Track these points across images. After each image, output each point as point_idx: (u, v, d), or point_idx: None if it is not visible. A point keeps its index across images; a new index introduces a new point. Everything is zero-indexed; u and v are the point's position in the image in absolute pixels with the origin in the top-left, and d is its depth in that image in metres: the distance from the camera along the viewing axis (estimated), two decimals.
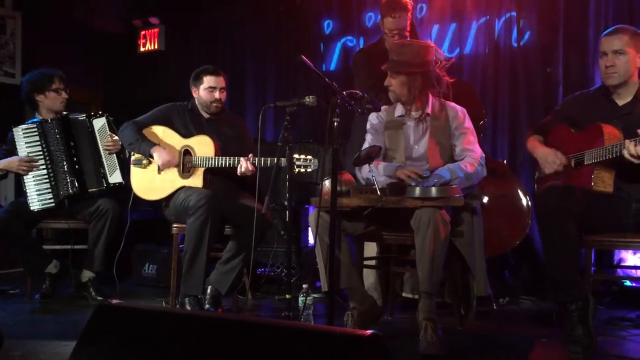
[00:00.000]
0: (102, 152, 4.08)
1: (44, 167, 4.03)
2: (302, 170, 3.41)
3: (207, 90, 3.81)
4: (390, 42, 3.78)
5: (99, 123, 4.11)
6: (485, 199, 3.78)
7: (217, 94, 3.81)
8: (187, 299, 3.50)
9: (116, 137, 4.00)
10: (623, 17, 4.22)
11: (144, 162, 3.78)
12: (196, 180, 3.68)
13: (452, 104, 3.32)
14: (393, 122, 3.31)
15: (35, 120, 4.13)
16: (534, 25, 4.65)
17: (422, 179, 2.98)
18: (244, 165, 3.57)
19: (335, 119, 2.67)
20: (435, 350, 2.75)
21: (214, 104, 3.82)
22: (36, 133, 4.06)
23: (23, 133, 4.05)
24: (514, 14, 4.70)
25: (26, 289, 4.10)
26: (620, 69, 2.92)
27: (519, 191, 3.95)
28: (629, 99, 2.98)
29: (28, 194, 3.99)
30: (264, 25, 5.87)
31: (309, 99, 2.89)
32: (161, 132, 3.81)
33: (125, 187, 3.97)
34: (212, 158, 3.65)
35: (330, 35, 5.53)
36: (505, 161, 4.32)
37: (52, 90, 4.11)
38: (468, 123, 3.26)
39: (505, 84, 4.71)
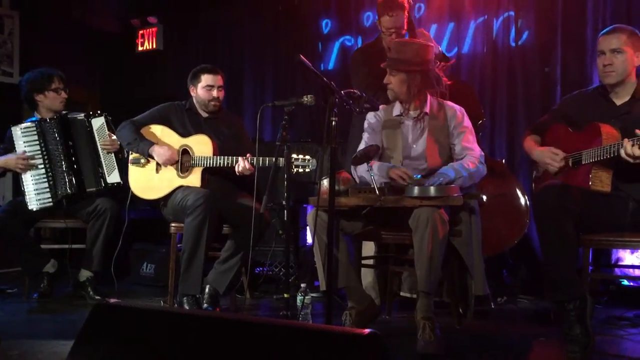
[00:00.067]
0: (100, 151, 4.07)
1: (42, 166, 4.03)
2: (300, 170, 3.42)
3: (204, 88, 3.81)
4: (388, 40, 3.79)
5: (98, 123, 4.10)
6: (485, 198, 3.78)
7: (214, 93, 3.81)
8: (185, 298, 3.50)
9: (114, 137, 4.00)
10: (621, 17, 4.22)
11: (142, 161, 3.78)
12: (194, 180, 3.68)
13: (451, 103, 3.33)
14: (391, 121, 3.31)
15: (33, 119, 4.13)
16: (532, 25, 4.66)
17: (413, 180, 2.98)
18: (242, 164, 3.57)
19: (334, 118, 2.67)
20: (433, 350, 2.76)
21: (212, 103, 3.82)
22: (35, 132, 4.05)
23: (21, 132, 4.04)
24: (512, 13, 4.70)
25: (24, 288, 4.09)
26: (618, 67, 2.92)
27: (518, 190, 3.95)
28: (626, 98, 2.98)
29: (26, 193, 3.99)
30: (262, 24, 5.87)
31: (307, 99, 2.89)
32: (159, 131, 3.81)
33: (123, 186, 3.97)
34: (210, 157, 3.65)
35: (328, 35, 5.53)
36: (504, 160, 4.32)
37: (51, 90, 4.10)
38: (467, 122, 3.27)
39: (504, 84, 4.72)
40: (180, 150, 3.75)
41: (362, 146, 3.28)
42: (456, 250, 3.07)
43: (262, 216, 3.41)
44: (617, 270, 4.08)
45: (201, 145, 3.71)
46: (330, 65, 5.50)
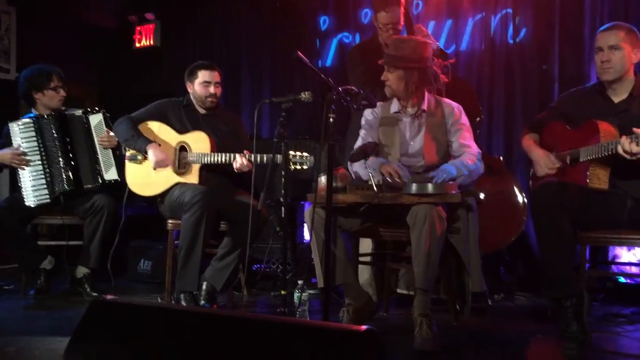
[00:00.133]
0: (98, 148, 4.07)
1: (39, 162, 4.02)
2: (298, 167, 3.41)
3: (202, 84, 3.80)
4: (385, 36, 3.78)
5: (96, 119, 4.09)
6: (482, 196, 3.78)
7: (212, 89, 3.80)
8: (182, 295, 3.50)
9: (112, 134, 3.99)
10: (618, 14, 4.22)
11: (140, 157, 3.77)
12: (192, 177, 3.68)
13: (448, 100, 3.33)
14: (388, 118, 3.30)
15: (31, 115, 4.11)
16: (530, 22, 4.66)
17: (402, 181, 2.98)
18: (239, 161, 3.56)
19: (331, 115, 2.67)
20: (430, 346, 2.76)
21: (209, 99, 3.81)
22: (32, 128, 4.03)
23: (19, 128, 4.03)
24: (510, 10, 4.70)
25: (21, 284, 4.09)
26: (616, 64, 2.92)
27: (515, 188, 3.95)
28: (624, 95, 2.98)
29: (23, 190, 3.98)
30: (260, 21, 5.86)
31: (304, 95, 2.89)
32: (157, 127, 3.80)
33: (120, 183, 3.96)
34: (208, 154, 3.65)
35: (326, 32, 5.53)
36: (501, 158, 4.32)
37: (50, 89, 4.07)
38: (464, 119, 3.27)
39: (501, 81, 4.72)
40: (178, 147, 3.74)
41: (359, 143, 3.28)
42: (453, 247, 3.07)
43: (260, 213, 3.40)
44: (614, 268, 4.09)
45: (199, 142, 3.70)
46: (328, 62, 5.50)
